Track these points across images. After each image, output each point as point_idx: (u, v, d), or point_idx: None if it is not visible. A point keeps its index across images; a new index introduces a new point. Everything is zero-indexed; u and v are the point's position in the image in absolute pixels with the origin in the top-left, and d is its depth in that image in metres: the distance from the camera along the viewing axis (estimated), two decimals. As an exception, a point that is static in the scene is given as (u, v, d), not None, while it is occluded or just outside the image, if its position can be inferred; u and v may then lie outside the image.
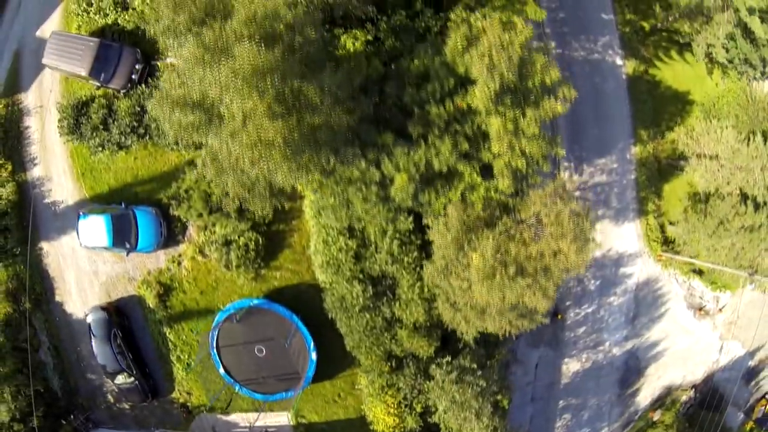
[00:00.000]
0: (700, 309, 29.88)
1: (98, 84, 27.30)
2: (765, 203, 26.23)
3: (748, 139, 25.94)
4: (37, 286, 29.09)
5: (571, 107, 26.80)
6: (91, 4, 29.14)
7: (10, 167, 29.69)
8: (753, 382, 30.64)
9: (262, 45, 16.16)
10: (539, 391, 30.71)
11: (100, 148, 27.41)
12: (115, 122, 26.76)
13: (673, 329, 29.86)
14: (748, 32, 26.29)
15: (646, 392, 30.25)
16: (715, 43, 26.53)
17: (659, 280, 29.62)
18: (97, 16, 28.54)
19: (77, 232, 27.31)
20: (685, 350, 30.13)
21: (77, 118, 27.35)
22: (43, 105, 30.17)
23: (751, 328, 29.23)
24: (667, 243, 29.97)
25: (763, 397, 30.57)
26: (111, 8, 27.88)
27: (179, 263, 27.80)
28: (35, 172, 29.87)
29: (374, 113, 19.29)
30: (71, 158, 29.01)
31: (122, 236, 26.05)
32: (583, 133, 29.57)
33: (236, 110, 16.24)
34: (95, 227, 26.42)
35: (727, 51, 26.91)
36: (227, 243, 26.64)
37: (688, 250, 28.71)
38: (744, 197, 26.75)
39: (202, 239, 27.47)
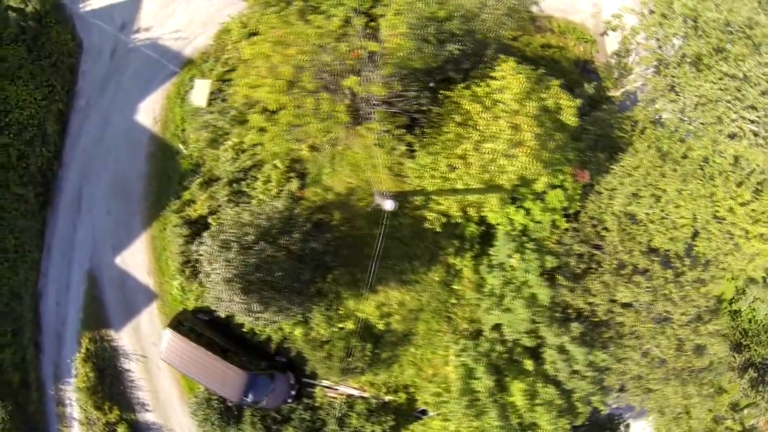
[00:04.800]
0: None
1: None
2: None
3: None
4: None
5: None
6: (185, 291, 19.79)
7: (117, 410, 22.29)
8: None
9: None
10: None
11: None
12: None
13: None
14: None
15: None
16: None
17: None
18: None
19: None
20: None
21: (221, 418, 19.54)
22: (147, 356, 21.80)
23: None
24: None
25: None
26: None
27: None
28: (149, 417, 22.34)
29: None
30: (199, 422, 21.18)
31: None
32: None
33: None
34: None
35: None
36: None
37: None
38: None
39: None
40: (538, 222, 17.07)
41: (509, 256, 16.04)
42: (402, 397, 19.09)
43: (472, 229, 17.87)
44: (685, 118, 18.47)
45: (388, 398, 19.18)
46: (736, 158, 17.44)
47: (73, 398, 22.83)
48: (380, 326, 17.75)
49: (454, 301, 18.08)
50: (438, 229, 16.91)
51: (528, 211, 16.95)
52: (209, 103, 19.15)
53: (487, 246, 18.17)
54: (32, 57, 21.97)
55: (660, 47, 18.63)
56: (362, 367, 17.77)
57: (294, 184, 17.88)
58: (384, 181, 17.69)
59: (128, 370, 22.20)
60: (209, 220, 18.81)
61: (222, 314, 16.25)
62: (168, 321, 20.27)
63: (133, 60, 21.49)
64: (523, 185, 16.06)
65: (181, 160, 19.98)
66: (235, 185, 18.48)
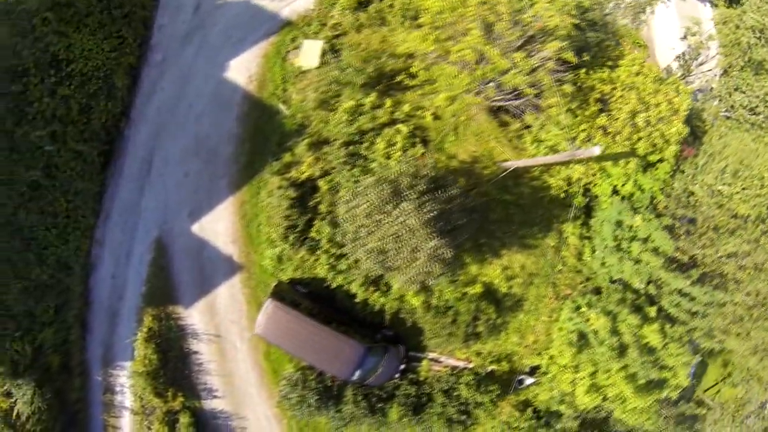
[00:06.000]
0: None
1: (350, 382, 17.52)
2: None
3: None
4: None
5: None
6: (281, 260, 17.69)
7: (181, 397, 19.48)
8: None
9: None
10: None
11: (326, 422, 18.40)
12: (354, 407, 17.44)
13: None
14: None
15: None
16: None
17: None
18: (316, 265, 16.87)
19: None
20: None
21: (320, 399, 17.61)
22: (221, 335, 19.20)
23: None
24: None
25: None
26: (358, 287, 16.82)
27: None
28: (216, 404, 19.56)
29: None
30: (279, 409, 19.10)
31: None
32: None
33: None
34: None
35: None
36: None
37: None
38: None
39: None
40: (642, 191, 17.82)
41: (632, 216, 16.69)
42: (504, 366, 18.65)
43: (579, 199, 18.22)
44: (751, 113, 20.37)
45: (491, 368, 18.66)
46: None
47: (127, 384, 19.76)
48: (503, 289, 17.41)
49: (560, 267, 18.21)
50: (562, 195, 17.11)
51: (635, 182, 17.63)
52: (322, 64, 17.97)
53: (588, 217, 18.61)
54: (101, 6, 19.38)
55: (730, 53, 20.48)
56: (484, 332, 17.20)
57: (419, 149, 17.10)
58: (505, 151, 17.62)
59: (196, 352, 19.56)
60: (319, 183, 17.45)
61: (373, 270, 14.89)
62: (266, 292, 18.24)
63: (221, 17, 19.63)
64: (642, 156, 16.75)
65: (282, 120, 18.39)
66: (351, 147, 17.33)
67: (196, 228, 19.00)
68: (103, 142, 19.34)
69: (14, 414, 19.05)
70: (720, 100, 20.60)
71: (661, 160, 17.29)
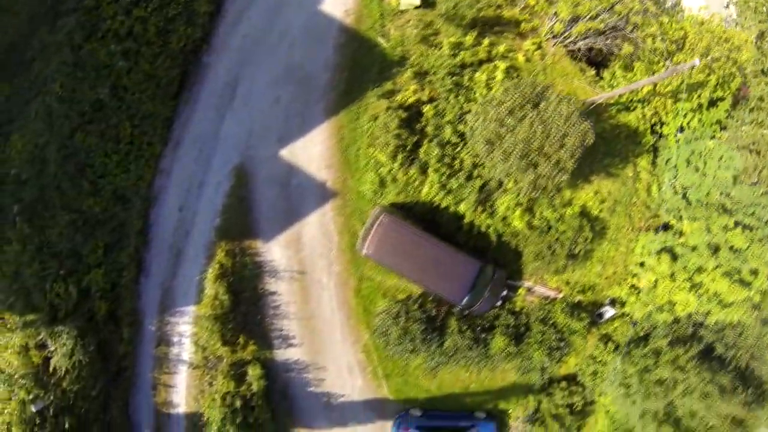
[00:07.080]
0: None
1: (458, 307, 16.71)
2: None
3: None
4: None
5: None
6: (384, 184, 16.97)
7: (253, 345, 16.98)
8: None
9: None
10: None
11: (421, 363, 17.19)
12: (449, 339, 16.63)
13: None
14: None
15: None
16: None
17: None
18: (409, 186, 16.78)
19: None
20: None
21: (425, 330, 16.48)
22: (306, 271, 17.32)
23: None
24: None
25: None
26: (468, 207, 16.69)
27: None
28: (291, 354, 17.32)
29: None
30: (365, 355, 17.52)
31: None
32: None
33: None
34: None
35: None
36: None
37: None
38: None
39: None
40: (704, 127, 19.99)
41: (704, 142, 18.68)
42: (589, 296, 19.03)
43: (648, 137, 20.07)
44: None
45: (578, 298, 18.93)
46: None
47: (187, 333, 17.02)
48: (595, 212, 18.22)
49: (635, 200, 19.60)
50: (640, 128, 18.86)
51: (700, 119, 19.91)
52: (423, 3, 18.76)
53: (655, 156, 20.39)
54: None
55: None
56: (581, 253, 17.57)
57: (516, 82, 18.18)
58: (587, 90, 19.29)
59: (274, 293, 17.49)
60: (424, 109, 17.57)
61: (513, 168, 14.99)
62: (362, 220, 16.97)
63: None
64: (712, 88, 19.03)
65: (381, 52, 18.48)
66: (454, 77, 17.93)
67: (285, 153, 17.71)
68: (179, 65, 17.94)
69: (50, 369, 15.35)
70: (754, 63, 23.83)
71: (722, 99, 19.59)
